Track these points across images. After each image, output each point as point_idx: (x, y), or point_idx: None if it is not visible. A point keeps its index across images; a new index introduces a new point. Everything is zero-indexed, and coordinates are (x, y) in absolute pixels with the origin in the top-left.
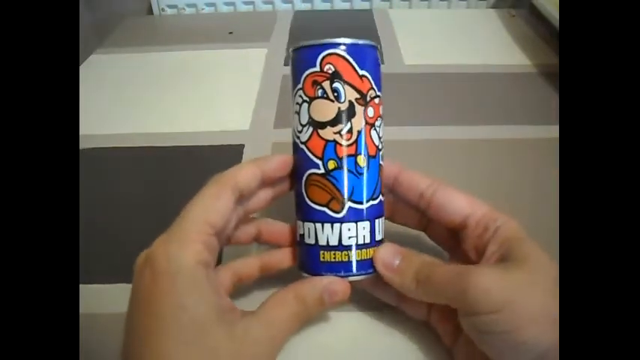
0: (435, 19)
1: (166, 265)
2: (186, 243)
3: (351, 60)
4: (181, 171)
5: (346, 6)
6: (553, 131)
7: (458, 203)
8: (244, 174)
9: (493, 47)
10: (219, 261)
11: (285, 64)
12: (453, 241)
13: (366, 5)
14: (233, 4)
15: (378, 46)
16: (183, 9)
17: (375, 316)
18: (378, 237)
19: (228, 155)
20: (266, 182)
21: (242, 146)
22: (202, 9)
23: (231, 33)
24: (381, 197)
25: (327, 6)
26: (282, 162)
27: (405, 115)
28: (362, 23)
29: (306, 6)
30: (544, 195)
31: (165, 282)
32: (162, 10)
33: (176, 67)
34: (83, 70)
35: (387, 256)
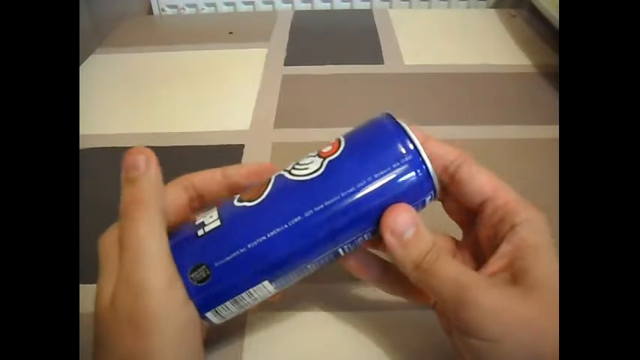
0: (435, 19)
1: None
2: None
3: None
4: (181, 171)
5: (346, 6)
6: (553, 131)
7: (480, 183)
8: (201, 176)
9: (493, 47)
10: None
11: (285, 64)
12: (468, 221)
13: (366, 5)
14: (233, 4)
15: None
16: (183, 9)
17: (375, 316)
18: None
19: (228, 155)
20: (233, 188)
21: (242, 146)
22: (202, 9)
23: (231, 33)
24: None
25: (327, 6)
26: (249, 170)
27: (404, 115)
28: (362, 23)
29: (306, 6)
30: (544, 195)
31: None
32: (162, 10)
33: (176, 67)
34: (83, 70)
35: (400, 224)
